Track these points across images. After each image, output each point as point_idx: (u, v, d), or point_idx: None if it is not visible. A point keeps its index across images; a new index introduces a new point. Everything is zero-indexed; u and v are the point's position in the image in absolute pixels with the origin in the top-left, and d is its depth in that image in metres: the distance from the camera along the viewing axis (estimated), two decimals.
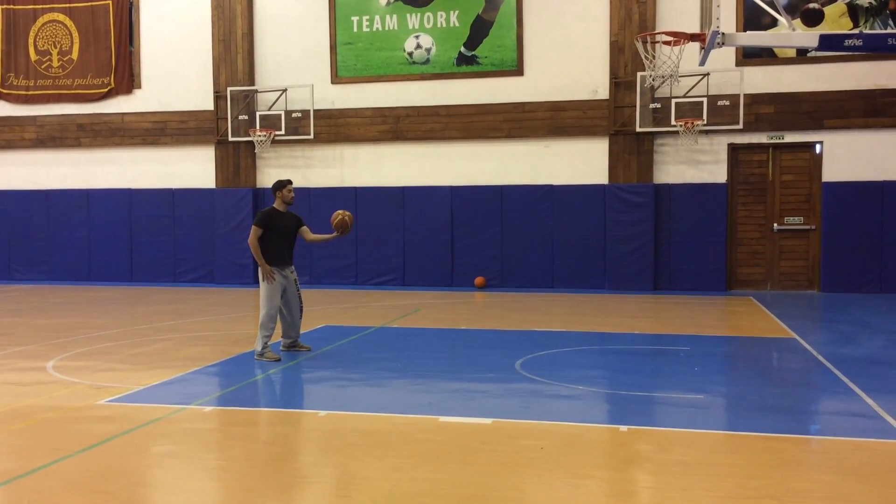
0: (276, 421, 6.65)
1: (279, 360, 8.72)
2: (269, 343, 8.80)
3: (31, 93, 18.10)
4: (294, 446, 6.00)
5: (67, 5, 17.84)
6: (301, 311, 9.19)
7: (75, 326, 11.36)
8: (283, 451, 5.78)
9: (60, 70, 17.94)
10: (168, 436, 6.03)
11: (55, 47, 17.96)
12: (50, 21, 17.97)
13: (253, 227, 8.78)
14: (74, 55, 17.86)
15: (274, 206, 8.97)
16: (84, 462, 5.40)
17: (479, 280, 15.99)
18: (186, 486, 5.06)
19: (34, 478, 5.09)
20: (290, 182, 9.04)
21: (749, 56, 15.01)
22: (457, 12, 16.14)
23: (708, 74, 14.55)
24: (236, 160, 17.08)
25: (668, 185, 15.38)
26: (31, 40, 18.08)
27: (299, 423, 6.59)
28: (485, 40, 16.06)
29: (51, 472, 5.20)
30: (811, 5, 14.70)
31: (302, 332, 9.65)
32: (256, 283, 9.97)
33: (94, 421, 6.39)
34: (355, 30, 16.55)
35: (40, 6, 17.98)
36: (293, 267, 9.07)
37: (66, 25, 17.88)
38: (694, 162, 15.35)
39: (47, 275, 18.01)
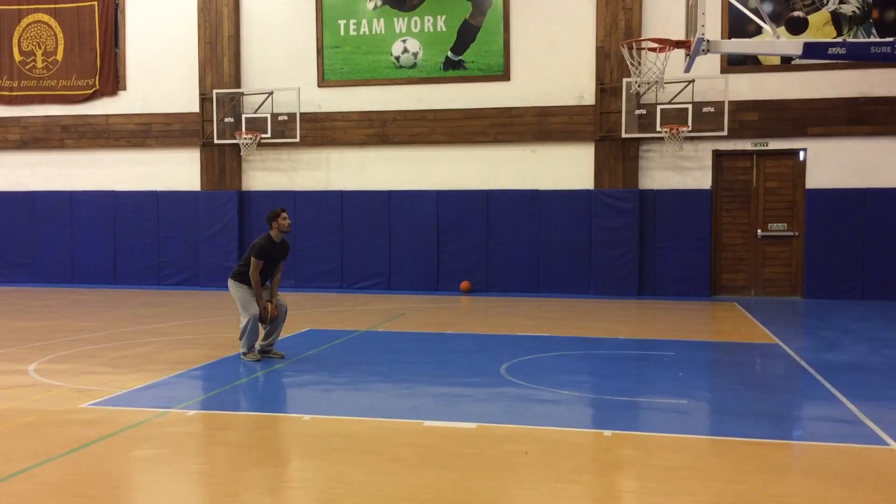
0: (260, 425, 6.62)
1: (260, 360, 8.87)
2: (253, 345, 8.91)
3: (14, 94, 17.97)
4: (277, 450, 5.97)
5: (52, 6, 17.73)
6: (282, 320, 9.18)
7: (58, 329, 11.27)
8: (267, 456, 5.75)
9: (45, 71, 17.83)
10: (151, 440, 5.99)
11: (40, 48, 17.84)
12: (34, 21, 17.86)
13: (253, 259, 8.66)
14: (59, 56, 17.75)
15: (270, 234, 8.85)
16: (65, 466, 5.36)
17: (464, 284, 15.99)
18: (169, 491, 5.03)
19: (14, 482, 5.05)
20: (283, 210, 8.93)
21: (734, 63, 15.10)
22: (444, 17, 16.16)
23: (693, 81, 14.63)
24: (222, 163, 17.02)
25: (653, 190, 15.44)
26: (15, 41, 17.95)
27: (283, 427, 6.56)
28: (472, 45, 16.08)
29: (31, 476, 5.16)
30: (795, 13, 14.82)
31: (286, 335, 9.63)
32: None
33: (75, 424, 6.34)
34: (342, 33, 16.54)
35: (25, 6, 17.86)
36: (268, 284, 9.07)
37: (50, 26, 17.78)
38: (679, 168, 15.42)
39: (30, 277, 17.87)
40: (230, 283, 8.99)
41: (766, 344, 10.20)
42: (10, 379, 8.03)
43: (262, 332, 9.10)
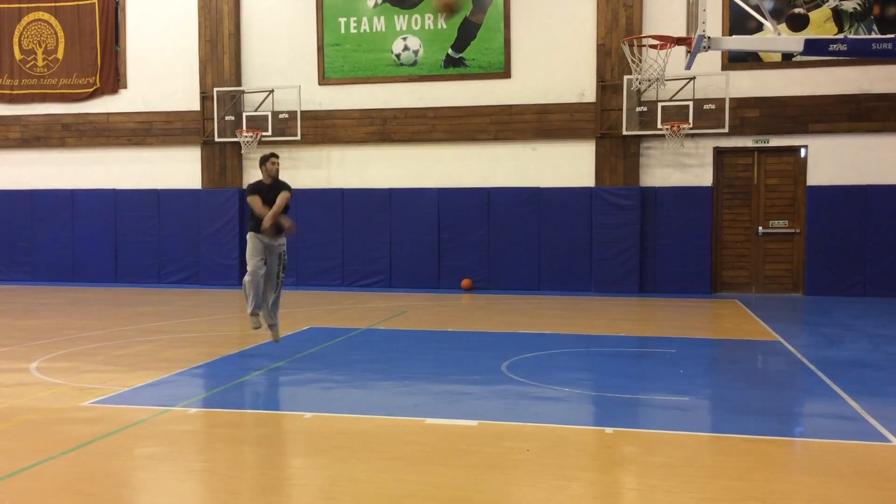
0: (262, 423, 6.62)
1: (259, 327, 9.01)
2: (256, 308, 8.89)
3: (15, 92, 17.97)
4: (279, 448, 5.98)
5: (53, 4, 17.73)
6: (278, 293, 9.08)
7: (59, 327, 11.28)
8: (269, 454, 5.75)
9: (45, 69, 17.82)
10: (152, 438, 5.99)
11: (40, 46, 17.84)
12: (35, 20, 17.85)
13: (248, 198, 9.06)
14: (60, 54, 17.75)
15: (261, 178, 9.21)
16: (67, 464, 5.36)
17: (465, 282, 15.99)
18: (171, 489, 5.04)
19: (17, 480, 5.05)
20: (272, 155, 9.23)
21: (735, 60, 15.08)
22: (444, 14, 16.13)
23: (694, 78, 14.61)
24: (222, 161, 17.02)
25: (653, 188, 15.44)
26: (15, 39, 17.95)
27: (284, 425, 6.57)
28: (472, 42, 16.07)
29: (34, 474, 5.16)
30: (796, 10, 14.79)
31: (287, 333, 9.61)
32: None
33: (77, 423, 6.34)
34: (343, 31, 16.53)
35: (25, 5, 17.85)
36: (283, 240, 9.09)
37: (51, 24, 17.77)
38: (680, 165, 15.41)
39: (31, 275, 17.88)
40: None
41: (767, 341, 10.20)
42: (11, 377, 8.04)
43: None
